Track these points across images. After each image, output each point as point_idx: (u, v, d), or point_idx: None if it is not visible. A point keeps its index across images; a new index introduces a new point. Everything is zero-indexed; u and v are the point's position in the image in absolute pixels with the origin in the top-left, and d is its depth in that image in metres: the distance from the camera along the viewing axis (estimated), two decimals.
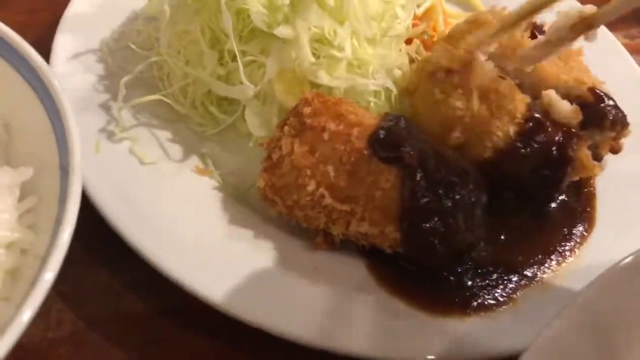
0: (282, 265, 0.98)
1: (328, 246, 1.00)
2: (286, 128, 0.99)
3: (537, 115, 1.04)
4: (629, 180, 1.22)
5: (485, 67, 1.05)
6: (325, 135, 0.97)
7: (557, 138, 1.03)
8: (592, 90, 1.10)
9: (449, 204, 0.93)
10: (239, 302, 0.91)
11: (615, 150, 1.12)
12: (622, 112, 1.08)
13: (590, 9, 0.96)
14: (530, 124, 1.03)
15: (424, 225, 0.93)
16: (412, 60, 1.33)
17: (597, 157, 1.14)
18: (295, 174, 0.97)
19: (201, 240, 0.99)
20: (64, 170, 0.77)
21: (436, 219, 0.93)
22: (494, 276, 1.03)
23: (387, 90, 1.20)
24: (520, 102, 1.04)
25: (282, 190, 0.98)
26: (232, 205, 1.05)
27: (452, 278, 1.01)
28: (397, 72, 1.23)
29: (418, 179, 0.93)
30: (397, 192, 0.93)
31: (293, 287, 0.95)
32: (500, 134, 1.03)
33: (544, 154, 1.03)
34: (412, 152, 0.93)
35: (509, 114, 1.04)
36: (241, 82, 1.05)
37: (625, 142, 1.13)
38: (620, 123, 1.08)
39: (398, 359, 0.91)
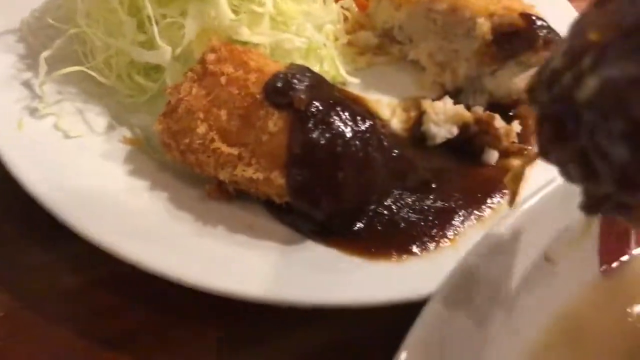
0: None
1: (222, 195, 0.99)
2: (189, 74, 0.99)
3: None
4: None
5: None
6: (223, 80, 0.96)
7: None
8: (522, 15, 1.11)
9: (339, 155, 0.91)
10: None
11: None
12: (554, 31, 1.07)
13: None
14: None
15: (308, 174, 0.91)
16: (345, 18, 1.33)
17: None
18: (189, 118, 0.96)
19: (131, 209, 0.97)
20: None
21: (322, 169, 0.91)
22: (432, 217, 1.03)
23: (321, 48, 1.20)
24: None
25: (178, 134, 0.97)
26: (163, 173, 1.03)
27: (387, 220, 1.01)
28: (330, 28, 1.22)
29: (309, 125, 0.91)
30: (285, 136, 0.92)
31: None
32: None
33: None
34: (302, 97, 0.92)
35: None
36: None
37: None
38: (553, 42, 1.08)
39: (332, 304, 0.90)
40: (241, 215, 0.99)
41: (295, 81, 0.94)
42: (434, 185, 1.08)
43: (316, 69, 1.17)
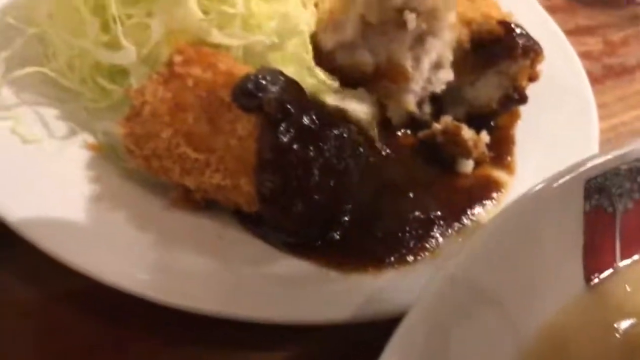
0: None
1: (189, 204, 0.94)
2: (154, 76, 0.93)
3: None
4: (547, 128, 1.19)
5: None
6: (190, 82, 0.91)
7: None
8: (501, 22, 1.08)
9: (310, 161, 0.87)
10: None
11: (533, 78, 1.09)
12: (533, 39, 1.05)
13: None
14: None
15: (278, 180, 0.86)
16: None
17: (518, 89, 1.11)
18: (154, 121, 0.91)
19: (92, 219, 0.91)
20: None
21: (293, 175, 0.87)
22: (410, 228, 0.98)
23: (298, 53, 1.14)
24: None
25: (142, 139, 0.92)
26: (126, 181, 0.97)
27: (363, 231, 0.96)
28: (305, 29, 1.17)
29: (279, 129, 0.86)
30: (254, 141, 0.87)
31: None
32: None
33: None
34: (272, 100, 0.87)
35: None
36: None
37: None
38: (532, 50, 1.06)
39: (307, 322, 0.85)
40: (209, 225, 0.94)
41: (265, 83, 0.89)
42: (411, 195, 1.04)
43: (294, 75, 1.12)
